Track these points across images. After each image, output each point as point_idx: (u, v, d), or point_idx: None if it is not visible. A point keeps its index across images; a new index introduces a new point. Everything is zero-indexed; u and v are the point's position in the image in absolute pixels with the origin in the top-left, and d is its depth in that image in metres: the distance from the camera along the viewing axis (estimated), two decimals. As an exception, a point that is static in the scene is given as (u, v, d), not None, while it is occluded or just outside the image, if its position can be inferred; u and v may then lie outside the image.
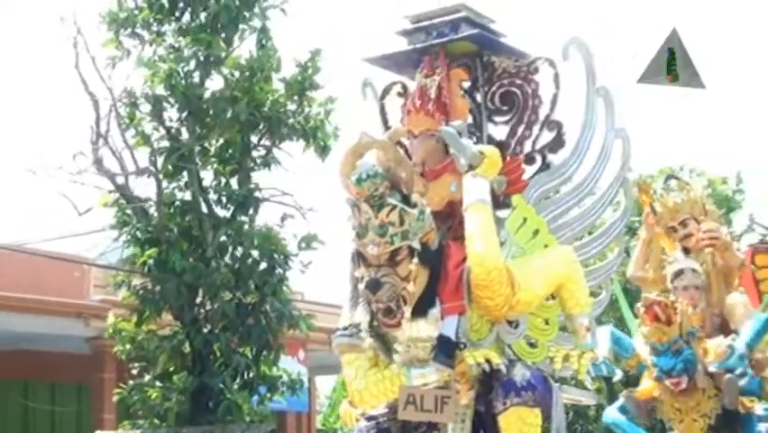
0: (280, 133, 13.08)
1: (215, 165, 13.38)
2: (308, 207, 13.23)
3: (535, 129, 5.81)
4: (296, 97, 13.08)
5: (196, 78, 13.01)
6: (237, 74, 13.05)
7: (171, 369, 12.91)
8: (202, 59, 12.88)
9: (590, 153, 5.86)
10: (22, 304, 15.21)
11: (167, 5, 13.10)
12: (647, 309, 7.27)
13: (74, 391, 18.48)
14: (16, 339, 16.33)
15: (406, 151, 5.67)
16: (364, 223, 5.00)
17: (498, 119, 5.91)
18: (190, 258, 12.89)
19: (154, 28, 13.19)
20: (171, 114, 13.14)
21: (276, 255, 12.99)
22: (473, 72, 5.91)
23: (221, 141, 13.28)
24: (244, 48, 13.26)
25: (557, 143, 5.80)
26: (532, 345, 5.49)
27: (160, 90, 12.85)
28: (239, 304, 12.95)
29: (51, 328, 15.96)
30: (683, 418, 7.50)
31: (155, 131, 13.18)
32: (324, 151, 13.12)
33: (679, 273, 7.85)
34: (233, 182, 13.30)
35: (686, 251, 8.06)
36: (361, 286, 5.01)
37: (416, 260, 5.01)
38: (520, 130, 5.83)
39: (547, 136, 5.81)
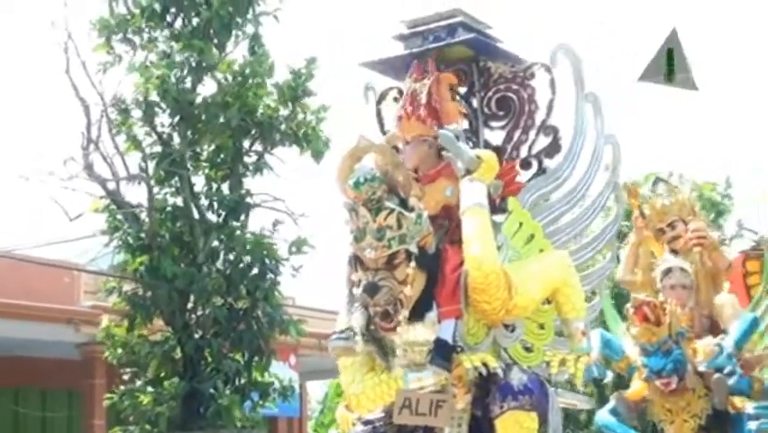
0: (272, 139, 13.09)
1: (207, 170, 13.38)
2: (300, 212, 13.27)
3: (532, 134, 5.84)
4: (288, 103, 13.08)
5: (188, 83, 13.01)
6: (229, 79, 13.06)
7: (162, 374, 12.89)
8: (194, 64, 12.89)
9: (582, 159, 5.88)
10: (11, 310, 15.09)
11: (159, 11, 13.08)
12: (636, 310, 7.27)
13: (65, 397, 18.38)
14: (6, 345, 16.24)
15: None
16: (362, 226, 4.98)
17: (494, 124, 5.93)
18: (181, 263, 12.87)
19: (146, 34, 13.17)
20: (163, 119, 13.16)
21: (267, 261, 12.99)
22: (469, 77, 5.93)
23: (213, 146, 13.28)
24: (237, 54, 13.30)
25: (553, 148, 5.83)
26: (528, 350, 5.49)
27: (152, 96, 12.83)
28: (230, 309, 12.94)
29: (42, 334, 15.88)
30: (674, 418, 7.50)
31: (147, 136, 13.17)
32: (317, 156, 13.12)
33: (667, 272, 7.86)
34: (225, 188, 13.31)
35: (674, 253, 8.09)
36: (359, 290, 5.00)
37: (413, 263, 4.99)
38: (516, 135, 5.86)
39: (543, 141, 5.84)
